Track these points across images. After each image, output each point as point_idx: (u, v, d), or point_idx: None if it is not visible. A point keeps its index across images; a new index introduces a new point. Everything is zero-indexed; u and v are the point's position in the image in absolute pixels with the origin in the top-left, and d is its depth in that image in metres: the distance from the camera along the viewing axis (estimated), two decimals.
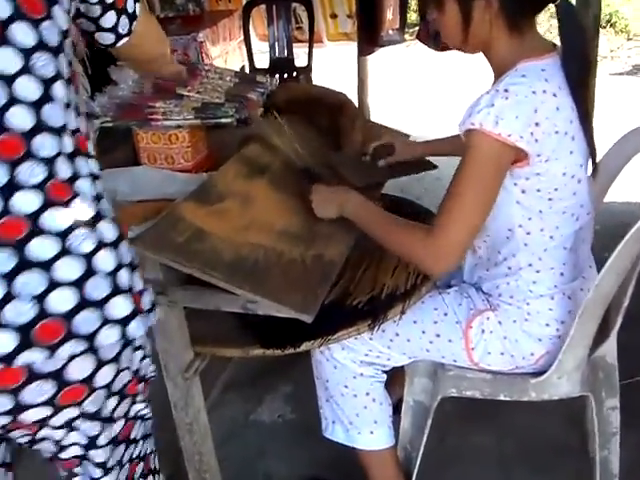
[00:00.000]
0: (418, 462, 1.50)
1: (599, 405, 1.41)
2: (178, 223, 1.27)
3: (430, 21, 1.29)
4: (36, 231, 0.79)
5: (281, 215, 1.42)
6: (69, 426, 0.90)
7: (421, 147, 1.77)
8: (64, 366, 0.83)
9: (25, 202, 0.79)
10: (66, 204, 0.82)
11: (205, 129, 1.78)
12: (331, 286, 1.40)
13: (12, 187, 0.78)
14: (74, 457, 0.96)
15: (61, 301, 0.81)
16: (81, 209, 0.84)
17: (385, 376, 1.51)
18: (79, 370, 0.85)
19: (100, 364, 0.87)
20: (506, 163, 1.20)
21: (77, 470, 0.98)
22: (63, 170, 0.83)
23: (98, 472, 0.98)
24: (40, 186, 0.80)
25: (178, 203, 1.35)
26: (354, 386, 1.46)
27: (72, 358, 0.83)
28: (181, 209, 1.32)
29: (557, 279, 1.32)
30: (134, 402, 0.99)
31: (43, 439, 0.92)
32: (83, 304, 0.82)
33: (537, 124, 1.17)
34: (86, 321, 0.83)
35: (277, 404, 2.09)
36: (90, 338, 0.83)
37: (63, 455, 0.96)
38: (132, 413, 1.00)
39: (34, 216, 0.80)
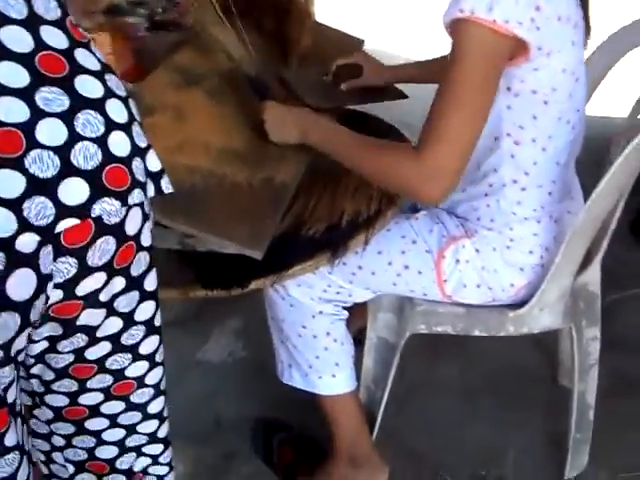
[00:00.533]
0: (383, 403, 1.37)
1: (579, 336, 1.29)
2: None
3: None
4: (78, 70, 0.65)
5: (222, 132, 1.20)
6: (112, 303, 0.73)
7: (392, 71, 1.53)
8: (125, 218, 0.69)
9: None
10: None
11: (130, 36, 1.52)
12: (283, 214, 1.22)
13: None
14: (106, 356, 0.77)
15: (120, 144, 0.67)
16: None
17: (347, 313, 1.36)
18: (134, 224, 0.71)
19: (145, 219, 0.74)
20: (502, 59, 1.01)
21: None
22: None
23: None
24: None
25: None
26: (313, 326, 1.30)
27: (131, 207, 0.70)
28: None
29: (544, 199, 1.16)
30: None
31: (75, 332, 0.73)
32: (134, 151, 0.70)
33: (538, 8, 0.97)
34: (138, 169, 0.70)
35: (226, 340, 1.92)
36: (143, 187, 0.70)
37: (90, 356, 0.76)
38: None
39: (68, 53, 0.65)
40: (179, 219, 0.96)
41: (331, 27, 1.78)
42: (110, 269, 0.69)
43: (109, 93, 0.67)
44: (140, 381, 0.83)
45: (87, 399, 0.80)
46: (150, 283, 0.78)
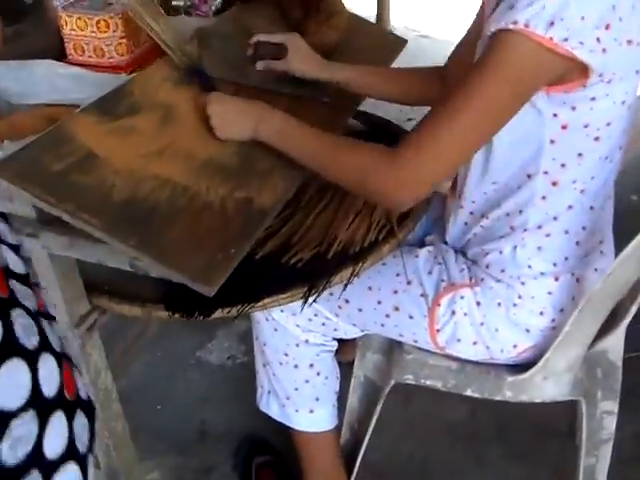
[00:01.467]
0: (364, 445, 1.25)
1: (592, 409, 1.13)
2: (63, 143, 0.96)
3: None
4: None
5: (211, 140, 1.09)
6: None
7: (322, 67, 1.23)
8: None
9: None
10: None
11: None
12: (270, 234, 1.11)
13: None
14: None
15: None
16: None
17: (336, 344, 1.24)
18: None
19: None
20: (544, 83, 0.85)
21: None
22: None
23: None
24: None
25: (72, 114, 1.04)
26: (296, 355, 1.19)
27: None
28: (73, 123, 1.00)
29: (569, 249, 1.01)
30: None
31: None
32: None
33: (607, 27, 0.81)
34: None
35: (229, 342, 1.84)
36: None
37: None
38: None
39: None
40: (131, 240, 0.86)
41: (370, 23, 1.64)
42: None
43: None
44: None
45: None
46: None
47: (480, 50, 0.95)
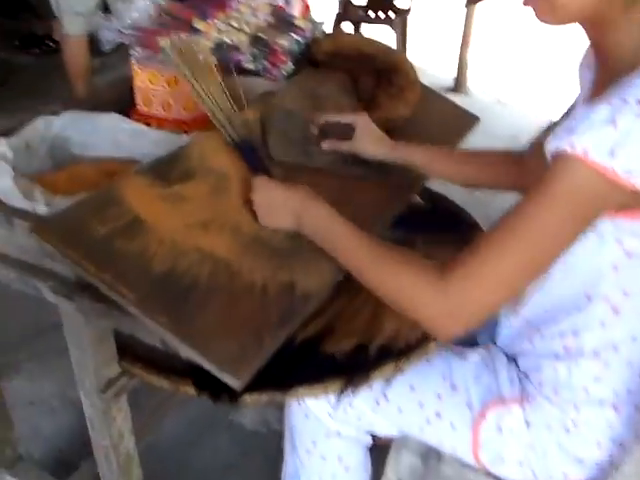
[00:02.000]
0: None
1: None
2: (111, 205, 0.94)
3: None
4: None
5: None
6: None
7: (392, 148, 1.20)
8: None
9: None
10: None
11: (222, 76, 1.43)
12: (312, 315, 1.05)
13: None
14: None
15: None
16: None
17: (370, 439, 1.16)
18: None
19: None
20: (603, 209, 0.79)
21: None
22: None
23: None
24: None
25: (127, 175, 1.02)
26: (324, 446, 1.12)
27: None
28: (125, 185, 0.99)
29: (632, 381, 0.91)
30: None
31: None
32: None
33: None
34: None
35: (265, 407, 1.78)
36: None
37: None
38: None
39: None
40: (162, 318, 0.83)
41: (443, 97, 1.59)
42: None
43: None
44: None
45: None
46: None
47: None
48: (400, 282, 0.86)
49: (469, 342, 1.12)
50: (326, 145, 1.21)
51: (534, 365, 0.97)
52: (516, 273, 0.79)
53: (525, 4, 0.84)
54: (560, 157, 0.76)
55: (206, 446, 1.66)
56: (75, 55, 2.96)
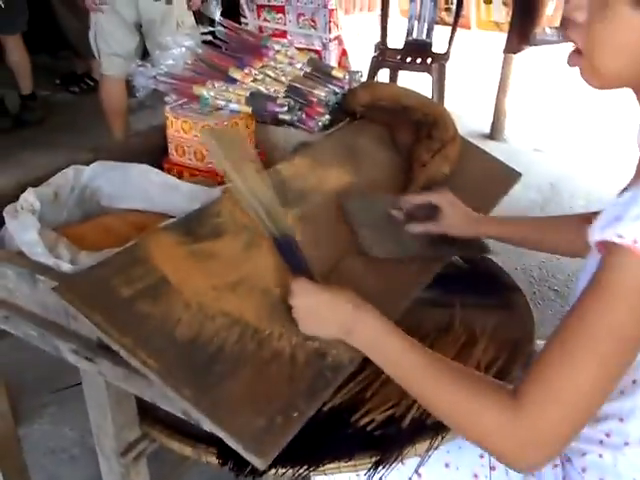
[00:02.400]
0: None
1: None
2: (137, 264, 0.90)
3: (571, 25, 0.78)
4: None
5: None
6: None
7: (480, 224, 1.18)
8: None
9: None
10: None
11: (255, 127, 1.41)
12: (342, 383, 0.99)
13: None
14: None
15: None
16: None
17: None
18: None
19: None
20: None
21: None
22: None
23: None
24: None
25: (151, 231, 0.99)
26: None
27: None
28: (152, 242, 0.95)
29: None
30: None
31: None
32: None
33: None
34: None
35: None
36: None
37: None
38: None
39: None
40: (185, 390, 0.78)
41: (483, 151, 1.55)
42: None
43: None
44: None
45: None
46: None
47: None
48: (466, 410, 0.76)
49: None
50: (418, 229, 1.16)
51: (577, 449, 0.90)
52: (591, 388, 0.70)
53: (571, 65, 0.79)
54: (611, 248, 0.69)
55: None
56: (112, 96, 3.00)
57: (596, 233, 0.72)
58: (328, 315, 0.88)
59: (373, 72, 3.76)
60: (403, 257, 1.12)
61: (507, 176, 1.50)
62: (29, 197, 1.03)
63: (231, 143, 1.03)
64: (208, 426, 0.79)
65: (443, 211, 1.16)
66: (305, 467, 0.92)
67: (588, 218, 1.11)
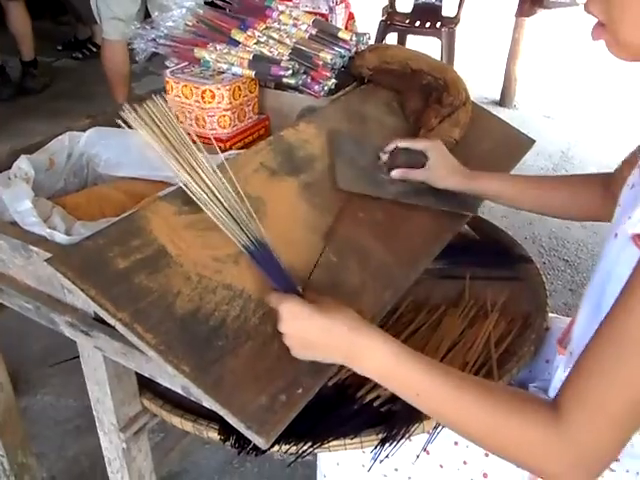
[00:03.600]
0: None
1: None
2: (135, 235, 0.86)
3: None
4: None
5: (300, 243, 0.97)
6: None
7: (468, 177, 1.11)
8: None
9: None
10: None
11: (260, 90, 1.36)
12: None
13: None
14: None
15: None
16: None
17: None
18: None
19: None
20: None
21: None
22: None
23: None
24: None
25: (149, 201, 0.95)
26: None
27: None
28: (151, 211, 0.91)
29: None
30: None
31: None
32: None
33: None
34: None
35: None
36: None
37: None
38: None
39: None
40: (184, 366, 0.75)
41: (495, 117, 1.49)
42: None
43: None
44: None
45: None
46: None
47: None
48: (510, 428, 0.69)
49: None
50: (397, 174, 1.12)
51: None
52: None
53: (594, 39, 0.74)
54: None
55: (232, 478, 1.58)
56: (114, 60, 2.93)
57: (629, 226, 0.67)
58: (323, 341, 0.76)
59: (381, 37, 3.67)
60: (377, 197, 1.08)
61: (520, 143, 1.45)
62: (23, 165, 0.99)
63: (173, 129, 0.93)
64: (208, 403, 0.76)
65: (430, 161, 1.10)
66: (310, 444, 0.89)
67: (602, 180, 1.07)
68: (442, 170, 1.11)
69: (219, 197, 0.87)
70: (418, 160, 1.11)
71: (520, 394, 0.72)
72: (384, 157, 1.15)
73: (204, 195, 0.87)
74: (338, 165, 1.10)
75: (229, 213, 0.86)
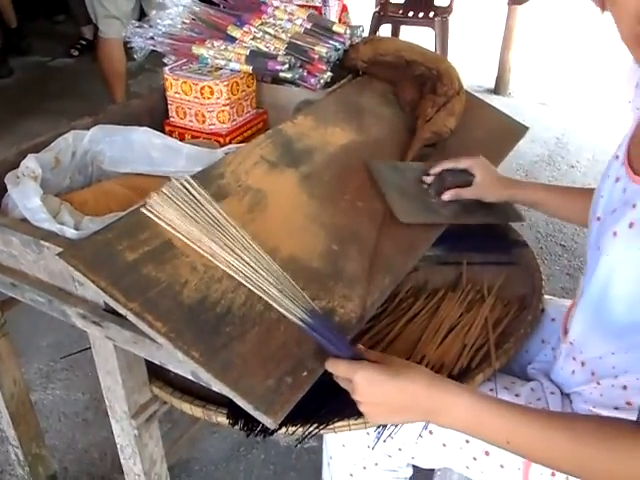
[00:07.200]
0: None
1: None
2: (143, 228, 0.89)
3: None
4: None
5: (300, 235, 1.00)
6: None
7: (512, 188, 1.14)
8: None
9: None
10: None
11: (257, 85, 1.38)
12: (351, 341, 0.99)
13: None
14: None
15: None
16: None
17: (411, 471, 1.10)
18: None
19: None
20: None
21: None
22: None
23: None
24: None
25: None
26: (362, 478, 1.07)
27: None
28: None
29: None
30: None
31: None
32: None
33: None
34: None
35: None
36: None
37: None
38: None
39: None
40: (194, 351, 0.78)
41: (489, 105, 1.52)
42: None
43: None
44: None
45: None
46: None
47: None
48: (628, 460, 0.68)
49: (518, 373, 1.06)
50: (449, 196, 1.13)
51: (590, 413, 0.90)
52: None
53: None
54: None
55: (239, 464, 1.62)
56: (111, 59, 2.96)
57: None
58: (401, 403, 0.76)
59: (374, 28, 3.68)
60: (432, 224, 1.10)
61: (513, 130, 1.47)
62: (30, 163, 1.02)
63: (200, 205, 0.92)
64: (218, 387, 0.79)
65: (477, 176, 1.13)
66: (315, 425, 0.92)
67: None
68: (490, 185, 1.13)
69: (263, 274, 0.86)
70: (464, 178, 1.14)
71: (606, 424, 0.72)
72: (428, 180, 1.17)
73: (254, 276, 0.86)
74: (390, 198, 1.10)
75: (278, 290, 0.85)
